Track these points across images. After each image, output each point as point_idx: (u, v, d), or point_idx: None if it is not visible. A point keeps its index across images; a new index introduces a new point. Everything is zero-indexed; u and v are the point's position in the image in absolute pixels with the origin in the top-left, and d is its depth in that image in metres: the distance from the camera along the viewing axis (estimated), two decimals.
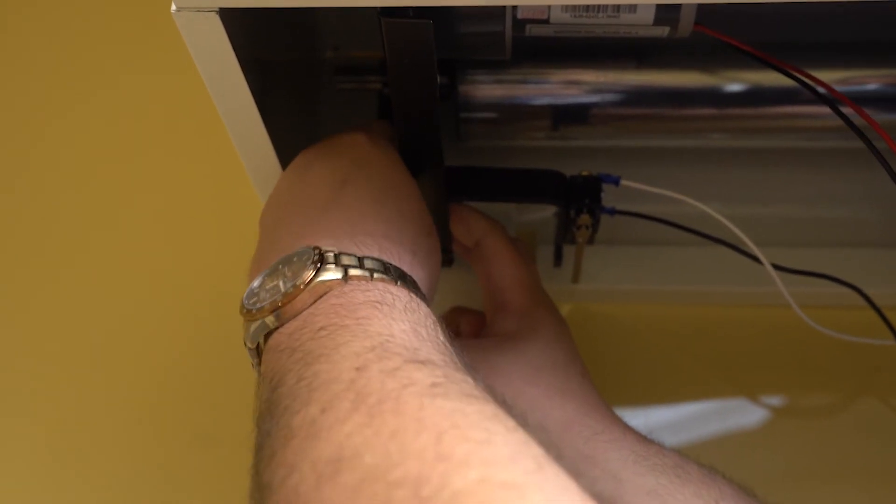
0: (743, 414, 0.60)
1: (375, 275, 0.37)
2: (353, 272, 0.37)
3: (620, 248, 0.61)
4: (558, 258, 0.59)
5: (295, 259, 0.38)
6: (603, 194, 0.53)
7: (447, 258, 0.59)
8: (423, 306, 0.38)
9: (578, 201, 0.52)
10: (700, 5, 0.46)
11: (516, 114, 0.56)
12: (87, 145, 0.73)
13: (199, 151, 0.71)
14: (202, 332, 0.65)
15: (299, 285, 0.36)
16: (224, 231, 0.69)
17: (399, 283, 0.38)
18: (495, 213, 0.55)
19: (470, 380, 0.33)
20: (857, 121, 0.49)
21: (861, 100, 0.51)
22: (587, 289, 0.61)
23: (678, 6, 0.46)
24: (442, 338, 0.36)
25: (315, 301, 0.36)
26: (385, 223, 0.41)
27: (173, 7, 0.36)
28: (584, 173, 0.53)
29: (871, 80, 0.53)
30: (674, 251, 0.61)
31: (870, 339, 0.56)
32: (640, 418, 0.58)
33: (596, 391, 0.47)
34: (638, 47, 0.54)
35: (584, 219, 0.53)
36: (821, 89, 0.48)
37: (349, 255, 0.38)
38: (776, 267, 0.53)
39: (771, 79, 0.52)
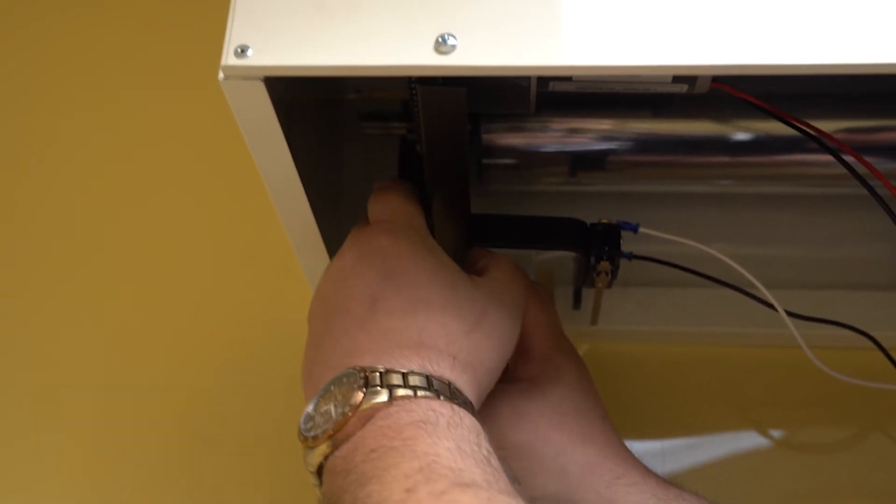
0: (754, 447, 0.61)
1: (419, 392, 0.39)
2: (397, 392, 0.39)
3: (637, 290, 0.63)
4: (577, 301, 0.60)
5: (344, 380, 0.40)
6: (621, 240, 0.55)
7: None
8: (465, 419, 0.39)
9: (599, 249, 0.54)
10: None
11: (536, 160, 0.58)
12: (101, 155, 0.75)
13: (210, 158, 0.73)
14: (202, 334, 0.67)
15: (348, 412, 0.38)
16: (228, 235, 0.71)
17: (441, 397, 0.39)
18: (515, 254, 0.56)
19: (512, 502, 0.34)
20: (861, 168, 0.51)
21: (865, 148, 0.53)
22: (605, 329, 0.62)
23: None
24: (485, 451, 0.38)
25: (364, 424, 0.38)
26: (418, 332, 0.42)
27: (221, 75, 0.38)
28: (604, 221, 0.55)
29: (874, 130, 0.55)
30: (689, 293, 0.62)
31: (880, 384, 0.57)
32: (656, 454, 0.60)
33: (616, 434, 0.49)
34: (654, 97, 0.56)
35: (604, 265, 0.54)
36: (831, 144, 0.50)
37: (394, 372, 0.40)
38: (789, 313, 0.54)
39: (782, 128, 0.54)
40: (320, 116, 0.61)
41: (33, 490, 0.63)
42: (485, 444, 0.39)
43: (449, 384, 0.41)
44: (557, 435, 0.47)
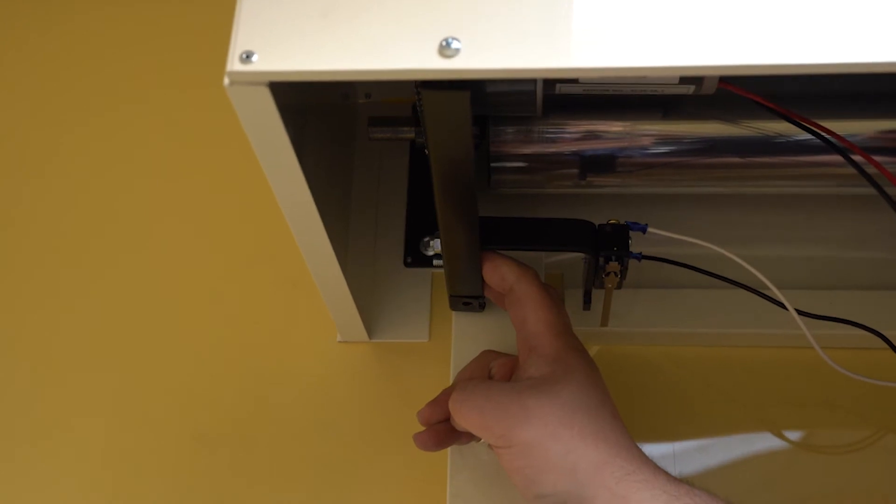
0: (766, 448, 0.61)
1: None
2: None
3: (648, 291, 0.63)
4: (587, 302, 0.60)
5: None
6: (630, 240, 0.55)
7: (480, 303, 0.61)
8: None
9: (607, 249, 0.54)
10: None
11: (545, 163, 0.58)
12: (113, 163, 0.75)
13: (222, 163, 0.74)
14: (202, 334, 0.67)
15: None
16: (229, 235, 0.71)
17: None
18: (525, 256, 0.57)
19: None
20: (871, 168, 0.50)
21: (873, 148, 0.53)
22: (615, 331, 0.62)
23: None
24: None
25: None
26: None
27: (226, 80, 0.38)
28: (613, 221, 0.55)
29: (883, 130, 0.55)
30: (699, 294, 0.62)
31: (892, 383, 0.57)
32: (668, 456, 0.60)
33: (627, 432, 0.49)
34: (663, 99, 0.56)
35: (613, 266, 0.54)
36: (840, 144, 0.50)
37: None
38: (800, 312, 0.54)
39: (791, 129, 0.53)
40: (330, 121, 0.61)
41: (34, 491, 0.63)
42: None
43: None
44: (568, 432, 0.47)
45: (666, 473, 0.47)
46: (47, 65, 0.79)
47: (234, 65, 0.38)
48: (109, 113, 0.77)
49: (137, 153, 0.75)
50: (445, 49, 0.37)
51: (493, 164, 0.58)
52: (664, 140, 0.57)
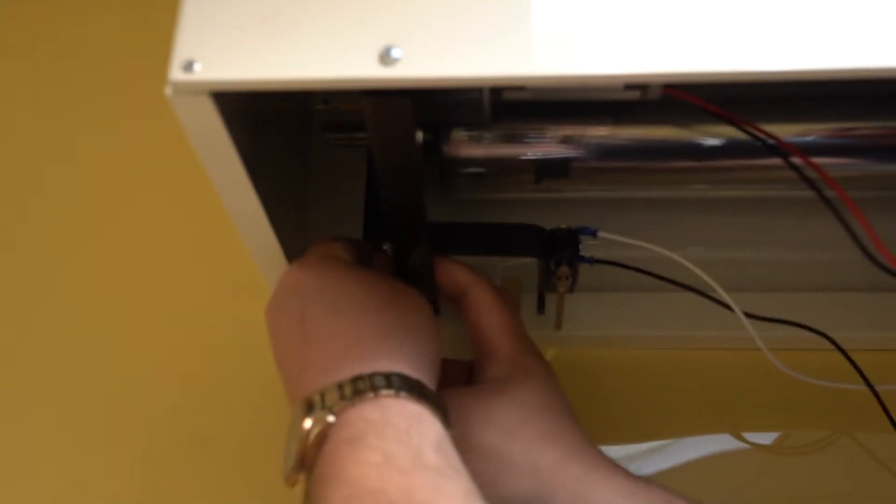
0: (723, 450, 0.61)
1: (356, 398, 0.41)
2: (337, 407, 0.41)
3: (601, 295, 0.63)
4: (541, 306, 0.61)
5: (295, 413, 0.42)
6: (582, 245, 0.55)
7: (434, 309, 0.61)
8: (394, 415, 0.41)
9: (558, 254, 0.54)
10: None
11: (500, 168, 0.59)
12: (92, 162, 0.75)
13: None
14: (201, 333, 0.67)
15: (300, 446, 0.41)
16: (219, 234, 0.69)
17: (372, 393, 0.41)
18: (480, 261, 0.57)
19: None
20: (812, 172, 0.51)
21: (815, 151, 0.54)
22: (569, 335, 0.63)
23: None
24: (414, 448, 0.40)
25: (319, 450, 0.41)
26: (350, 332, 0.45)
27: (167, 91, 0.38)
28: (563, 227, 0.55)
29: (825, 132, 0.56)
30: (652, 297, 0.63)
31: (839, 384, 0.58)
32: (621, 459, 0.60)
33: (584, 432, 0.49)
34: (615, 104, 0.56)
35: (564, 270, 0.55)
36: (780, 148, 0.51)
37: (330, 389, 0.42)
38: (747, 314, 0.55)
39: (739, 133, 0.54)
40: (286, 128, 0.61)
41: (31, 491, 0.63)
42: (415, 435, 0.40)
43: (374, 374, 0.42)
44: (526, 433, 0.47)
45: (624, 470, 0.48)
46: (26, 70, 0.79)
47: (175, 74, 0.38)
48: (64, 109, 0.76)
49: (111, 155, 0.74)
50: (386, 57, 0.37)
51: (447, 170, 0.59)
52: (616, 145, 0.57)
